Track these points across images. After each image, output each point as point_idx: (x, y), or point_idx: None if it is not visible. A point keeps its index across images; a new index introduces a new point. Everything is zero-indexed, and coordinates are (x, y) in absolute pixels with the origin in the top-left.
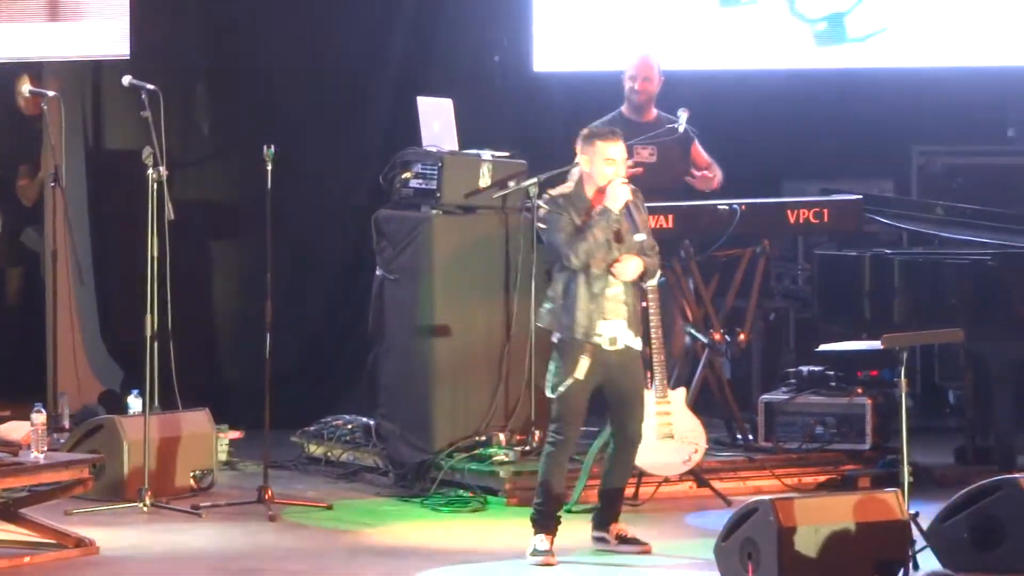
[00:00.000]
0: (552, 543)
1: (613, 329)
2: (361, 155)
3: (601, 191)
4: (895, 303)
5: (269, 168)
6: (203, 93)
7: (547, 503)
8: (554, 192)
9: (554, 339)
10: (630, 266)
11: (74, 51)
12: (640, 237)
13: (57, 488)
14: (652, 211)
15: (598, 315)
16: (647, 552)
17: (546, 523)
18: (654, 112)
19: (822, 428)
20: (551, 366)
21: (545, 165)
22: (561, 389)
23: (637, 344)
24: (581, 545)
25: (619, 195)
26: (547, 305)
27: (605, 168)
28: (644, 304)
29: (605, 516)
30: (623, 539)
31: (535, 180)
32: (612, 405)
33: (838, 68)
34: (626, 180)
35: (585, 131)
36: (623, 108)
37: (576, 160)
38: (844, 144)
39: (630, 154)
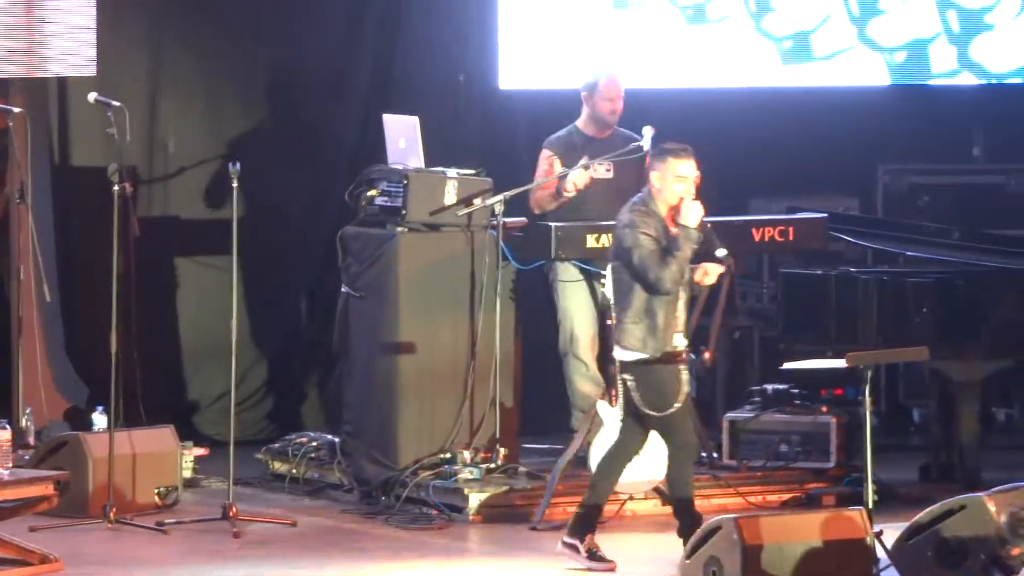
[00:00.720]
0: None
1: (682, 341)
2: (327, 172)
3: (673, 209)
4: (860, 321)
5: (235, 185)
6: (169, 110)
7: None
8: (639, 211)
9: (635, 359)
10: (695, 208)
11: (40, 68)
12: (722, 252)
13: (21, 505)
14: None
15: (674, 329)
16: None
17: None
18: (612, 128)
19: (786, 446)
20: (644, 388)
21: (511, 182)
22: (677, 405)
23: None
24: (549, 561)
25: (695, 212)
26: (632, 327)
27: (675, 186)
28: None
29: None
30: None
31: (501, 197)
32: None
33: (804, 86)
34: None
35: (656, 148)
36: (579, 123)
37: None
38: (810, 162)
39: (588, 169)
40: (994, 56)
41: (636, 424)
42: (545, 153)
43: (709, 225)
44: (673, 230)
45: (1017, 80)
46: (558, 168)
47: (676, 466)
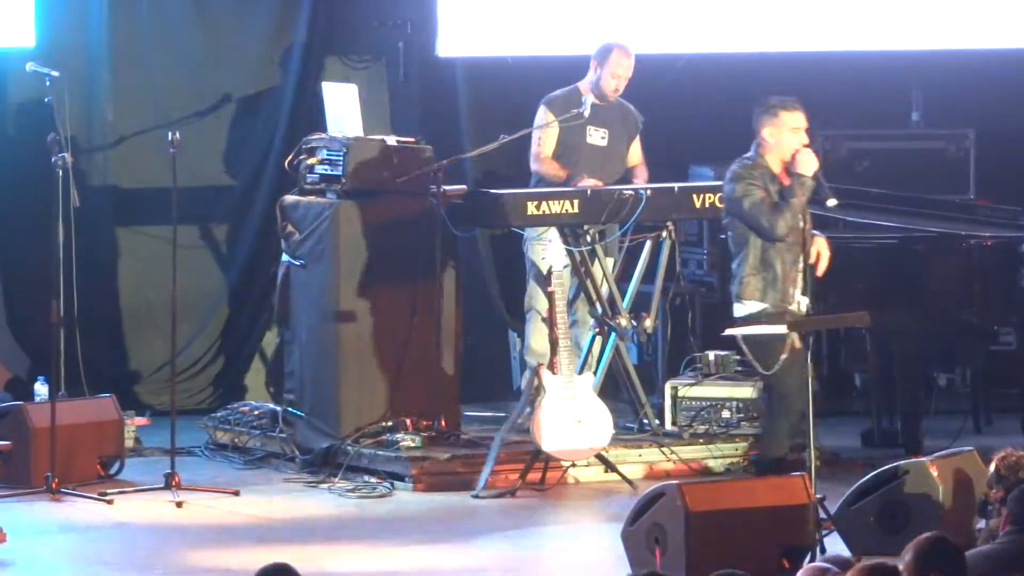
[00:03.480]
0: None
1: (800, 297)
2: (266, 141)
3: (787, 161)
4: None
5: (173, 153)
6: (107, 79)
7: (771, 451)
8: (746, 164)
9: (757, 310)
10: (810, 157)
11: None
12: (833, 203)
13: None
14: (555, 195)
15: (793, 286)
16: None
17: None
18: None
19: (728, 413)
20: (753, 345)
21: (451, 150)
22: (779, 365)
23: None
24: (491, 529)
25: (810, 161)
26: (750, 279)
27: (791, 137)
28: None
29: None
30: None
31: (440, 164)
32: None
33: (742, 52)
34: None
35: (764, 104)
36: (581, 85)
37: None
38: (750, 128)
39: (585, 135)
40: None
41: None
42: (541, 110)
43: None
44: (786, 181)
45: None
46: (554, 130)
47: (770, 423)
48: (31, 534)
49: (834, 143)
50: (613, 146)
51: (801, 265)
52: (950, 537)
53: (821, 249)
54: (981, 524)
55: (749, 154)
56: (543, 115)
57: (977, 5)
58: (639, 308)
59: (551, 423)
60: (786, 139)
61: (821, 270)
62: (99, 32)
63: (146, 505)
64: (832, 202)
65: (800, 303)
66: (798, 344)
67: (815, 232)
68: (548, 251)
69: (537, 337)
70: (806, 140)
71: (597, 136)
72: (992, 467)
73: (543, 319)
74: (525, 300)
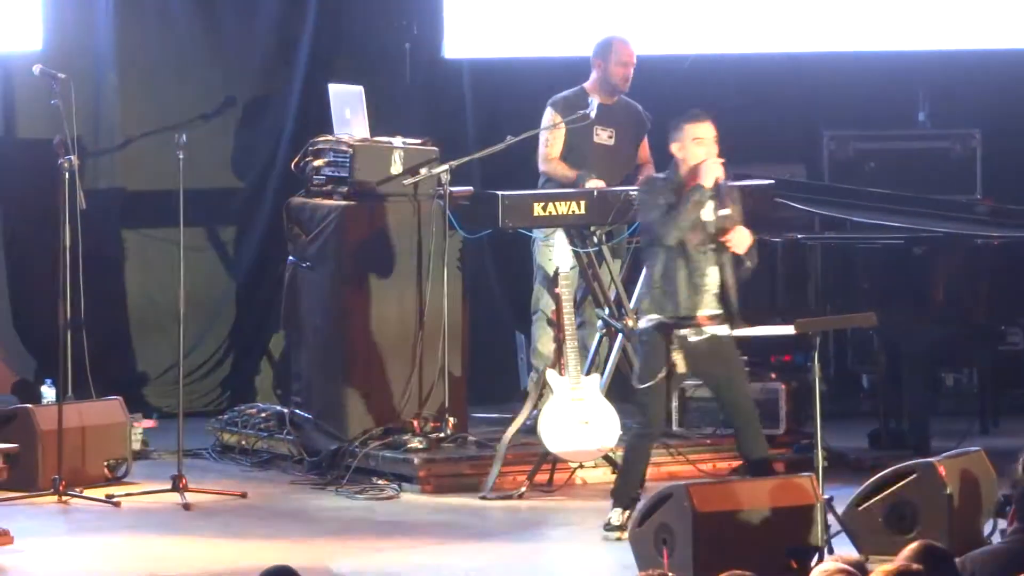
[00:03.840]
0: (627, 519)
1: (704, 316)
2: (273, 143)
3: (695, 172)
4: (808, 288)
5: (181, 156)
6: (114, 81)
7: (626, 485)
8: (652, 181)
9: (642, 326)
10: (743, 236)
11: None
12: (724, 212)
13: None
14: (562, 197)
15: (697, 303)
16: None
17: (627, 498)
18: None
19: None
20: (639, 357)
21: (456, 152)
22: (651, 382)
23: (724, 332)
24: (499, 531)
25: (711, 172)
26: (646, 290)
27: (695, 148)
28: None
29: None
30: None
31: (447, 167)
32: (715, 391)
33: (748, 53)
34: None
35: (673, 121)
36: (587, 85)
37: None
38: (755, 129)
39: (592, 135)
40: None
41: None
42: (548, 111)
43: (734, 186)
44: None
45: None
46: (561, 130)
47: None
48: (38, 537)
49: (840, 143)
50: (620, 145)
51: (713, 277)
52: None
53: (737, 236)
54: (1003, 524)
55: (665, 173)
56: (550, 116)
57: (982, 5)
58: None
59: (558, 424)
60: (691, 151)
61: (737, 246)
62: (106, 35)
63: (154, 508)
64: (723, 211)
65: (710, 315)
66: (681, 368)
67: (723, 212)
68: (554, 252)
69: (544, 339)
70: (712, 150)
71: (604, 135)
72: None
73: (549, 321)
74: (532, 301)
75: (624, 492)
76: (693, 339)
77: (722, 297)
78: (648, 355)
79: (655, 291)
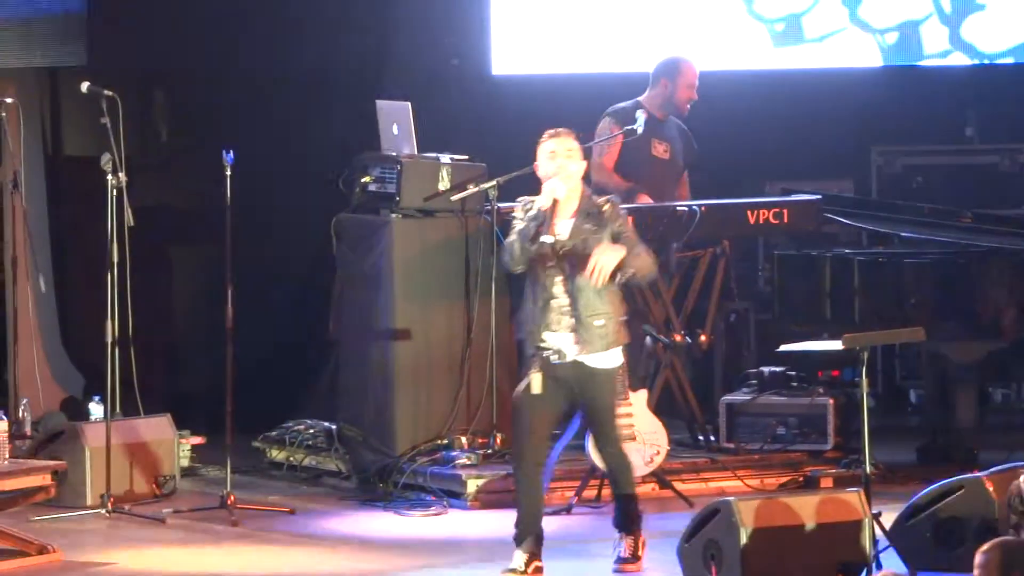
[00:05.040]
0: (528, 561)
1: (559, 341)
2: (320, 159)
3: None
4: (855, 303)
5: (228, 173)
6: (161, 99)
7: (519, 522)
8: (527, 198)
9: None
10: (603, 259)
11: (32, 57)
12: (547, 239)
13: (19, 495)
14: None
15: (543, 325)
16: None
17: (520, 538)
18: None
19: (784, 429)
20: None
21: (504, 168)
22: (516, 402)
23: (594, 361)
24: (548, 547)
25: (546, 191)
26: (519, 313)
27: (545, 164)
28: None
29: (615, 520)
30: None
31: (494, 183)
32: (586, 425)
33: (797, 68)
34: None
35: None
36: (643, 99)
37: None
38: (804, 144)
39: (649, 147)
40: (986, 36)
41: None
42: (606, 121)
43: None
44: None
45: (1009, 60)
46: (617, 141)
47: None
48: (87, 554)
49: (888, 159)
50: (674, 160)
51: (560, 305)
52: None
53: (601, 262)
54: None
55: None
56: (607, 125)
57: None
58: (694, 325)
59: None
60: (543, 168)
61: (596, 279)
62: (152, 50)
63: (202, 524)
64: (548, 239)
65: (564, 352)
66: (536, 389)
67: (547, 239)
68: None
69: None
70: (562, 167)
71: (660, 149)
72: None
73: None
74: None
75: (517, 524)
76: (556, 361)
77: (581, 322)
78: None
79: (519, 315)
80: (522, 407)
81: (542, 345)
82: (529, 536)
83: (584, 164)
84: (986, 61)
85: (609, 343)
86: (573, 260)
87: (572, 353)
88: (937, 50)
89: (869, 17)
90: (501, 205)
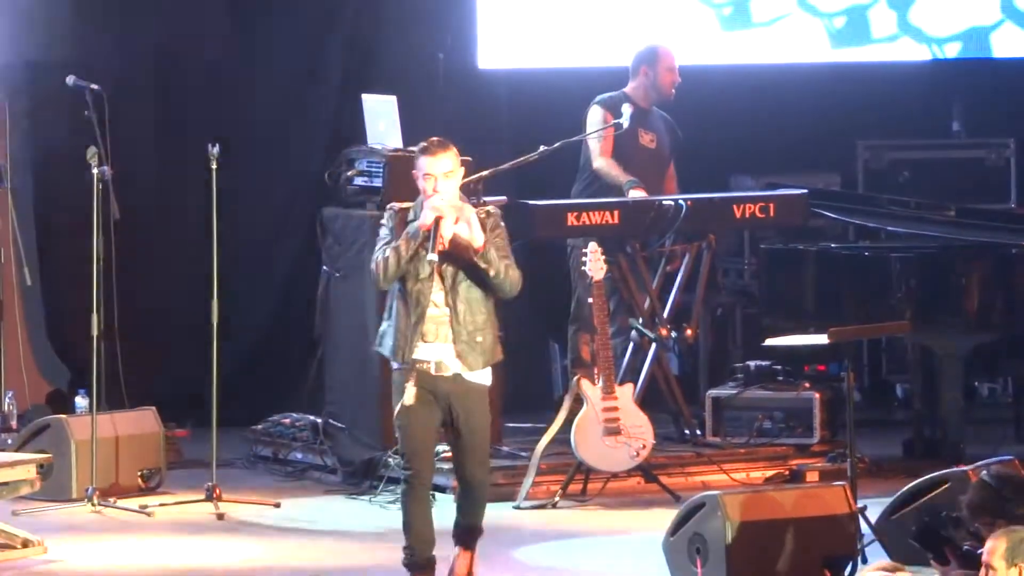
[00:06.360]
0: None
1: (436, 353)
2: (306, 153)
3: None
4: (842, 297)
5: (214, 167)
6: (147, 92)
7: (410, 547)
8: (397, 205)
9: (392, 366)
10: (428, 208)
11: (18, 52)
12: (432, 258)
13: (4, 488)
14: (595, 207)
15: (417, 337)
16: None
17: (416, 568)
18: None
19: (770, 422)
20: (395, 396)
21: (491, 162)
22: (397, 421)
23: (474, 376)
24: (534, 540)
25: (426, 211)
26: (380, 328)
27: (424, 183)
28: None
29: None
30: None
31: (480, 176)
32: (451, 443)
33: (781, 63)
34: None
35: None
36: (628, 90)
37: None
38: (790, 139)
39: (637, 137)
40: (934, 21)
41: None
42: (596, 109)
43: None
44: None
45: (958, 45)
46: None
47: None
48: (71, 546)
49: (875, 153)
50: (660, 150)
51: (438, 317)
52: None
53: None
54: None
55: (411, 203)
56: (600, 113)
57: (1016, 14)
58: (680, 319)
59: (592, 434)
60: (422, 187)
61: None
62: (138, 44)
63: (188, 518)
64: (432, 257)
65: (444, 364)
66: (409, 401)
67: (432, 257)
68: (588, 262)
69: (584, 349)
70: (443, 186)
71: (647, 139)
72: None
73: (585, 330)
74: (571, 312)
75: (407, 548)
76: (435, 374)
77: (461, 335)
78: (394, 397)
79: (383, 329)
80: (404, 426)
81: (417, 357)
82: (423, 561)
83: (462, 171)
84: (934, 46)
85: (487, 360)
86: (455, 271)
87: (454, 367)
88: (885, 34)
89: (817, 1)
90: (487, 199)
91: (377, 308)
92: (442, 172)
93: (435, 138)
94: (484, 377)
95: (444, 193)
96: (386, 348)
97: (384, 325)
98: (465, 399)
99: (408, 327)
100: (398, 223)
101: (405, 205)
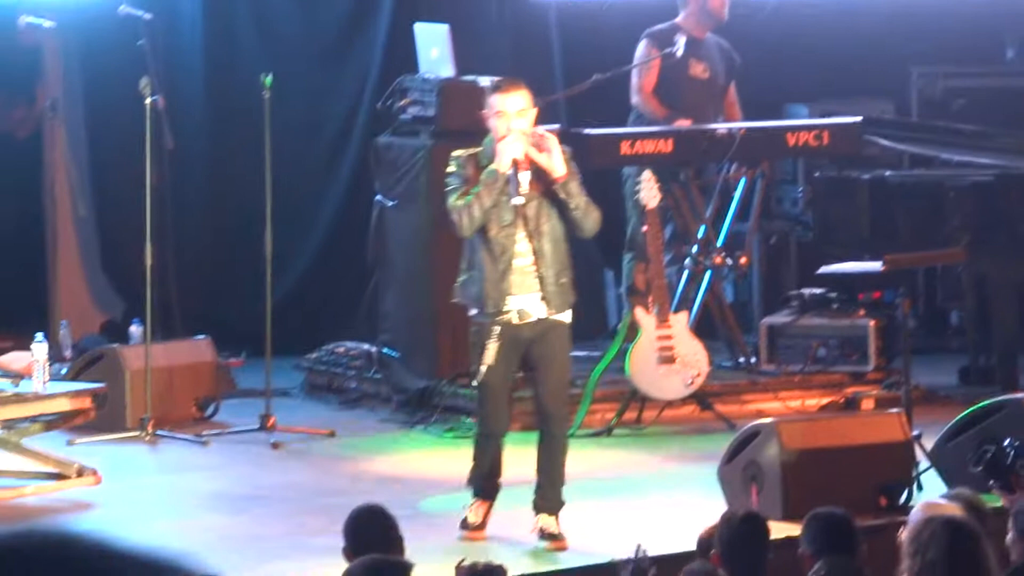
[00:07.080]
0: (485, 515)
1: (523, 303)
2: (359, 82)
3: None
4: (896, 225)
5: (267, 96)
6: (198, 20)
7: (479, 469)
8: (457, 157)
9: (471, 315)
10: (505, 148)
11: None
12: (518, 201)
13: (59, 418)
14: (649, 135)
15: (506, 290)
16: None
17: (482, 493)
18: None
19: (825, 350)
20: (472, 345)
21: (544, 91)
22: (479, 378)
23: (557, 316)
24: (588, 469)
25: (503, 152)
26: (460, 278)
27: (497, 123)
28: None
29: (536, 502)
30: (544, 535)
31: (554, 98)
32: (530, 380)
33: None
34: (529, 134)
35: (492, 83)
36: (680, 20)
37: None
38: (843, 67)
39: (687, 68)
40: None
41: None
42: (644, 43)
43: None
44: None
45: None
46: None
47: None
48: (127, 476)
49: (929, 81)
50: (714, 79)
51: (524, 267)
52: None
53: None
54: None
55: (478, 148)
56: (645, 48)
57: None
58: (734, 247)
59: (647, 362)
60: (495, 126)
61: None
62: None
63: (242, 447)
64: (518, 200)
65: (527, 312)
66: (491, 359)
67: (517, 200)
68: (642, 190)
69: (638, 277)
70: (517, 125)
71: (699, 69)
72: None
73: (639, 258)
74: (627, 239)
75: (476, 478)
76: (516, 323)
77: (547, 281)
78: (472, 350)
79: (465, 280)
80: (484, 384)
81: (504, 309)
82: (482, 488)
83: (535, 111)
84: None
85: (569, 301)
86: (536, 211)
87: (537, 312)
88: None
89: None
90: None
91: (431, 237)
92: (515, 110)
93: (507, 76)
94: (565, 315)
95: (519, 129)
96: (470, 298)
97: (464, 275)
98: (546, 338)
99: (496, 276)
100: (472, 170)
101: (472, 151)
